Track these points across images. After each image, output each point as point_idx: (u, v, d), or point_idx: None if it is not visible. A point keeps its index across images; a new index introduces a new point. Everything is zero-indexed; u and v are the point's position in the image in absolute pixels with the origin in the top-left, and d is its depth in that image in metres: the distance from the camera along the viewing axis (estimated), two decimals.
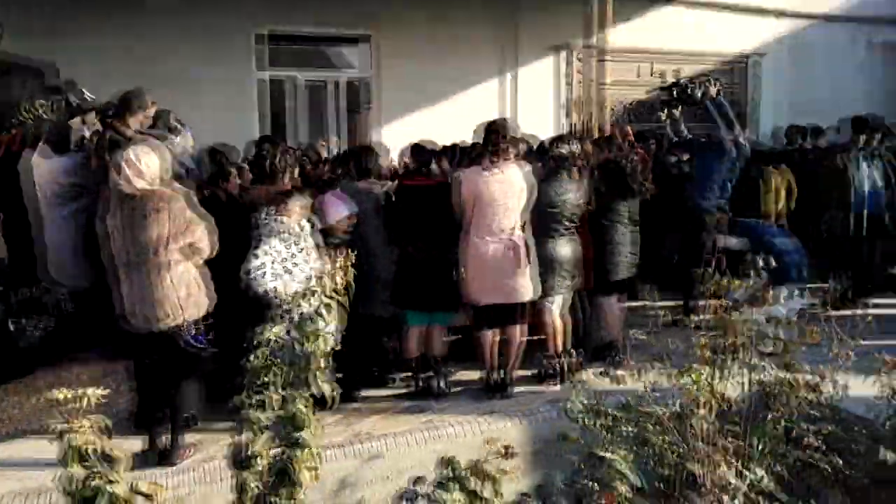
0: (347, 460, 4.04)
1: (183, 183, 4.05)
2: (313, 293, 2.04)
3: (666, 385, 2.42)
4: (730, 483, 1.89)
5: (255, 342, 2.07)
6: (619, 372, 2.53)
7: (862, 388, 3.00)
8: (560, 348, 4.98)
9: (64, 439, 1.66)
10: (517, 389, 4.83)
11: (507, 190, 4.60)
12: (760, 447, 2.11)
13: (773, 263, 5.10)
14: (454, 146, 5.56)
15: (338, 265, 2.06)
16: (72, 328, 4.90)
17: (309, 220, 4.34)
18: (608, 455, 2.17)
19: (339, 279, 2.04)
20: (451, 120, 7.58)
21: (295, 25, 7.96)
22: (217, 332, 3.95)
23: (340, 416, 4.52)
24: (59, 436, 1.67)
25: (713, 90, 5.87)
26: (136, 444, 4.04)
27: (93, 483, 1.60)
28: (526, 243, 4.62)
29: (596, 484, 2.16)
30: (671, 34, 9.19)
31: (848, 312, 3.12)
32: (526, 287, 4.66)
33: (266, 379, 2.04)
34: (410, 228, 4.73)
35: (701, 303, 2.44)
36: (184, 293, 3.74)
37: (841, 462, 2.15)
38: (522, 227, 4.65)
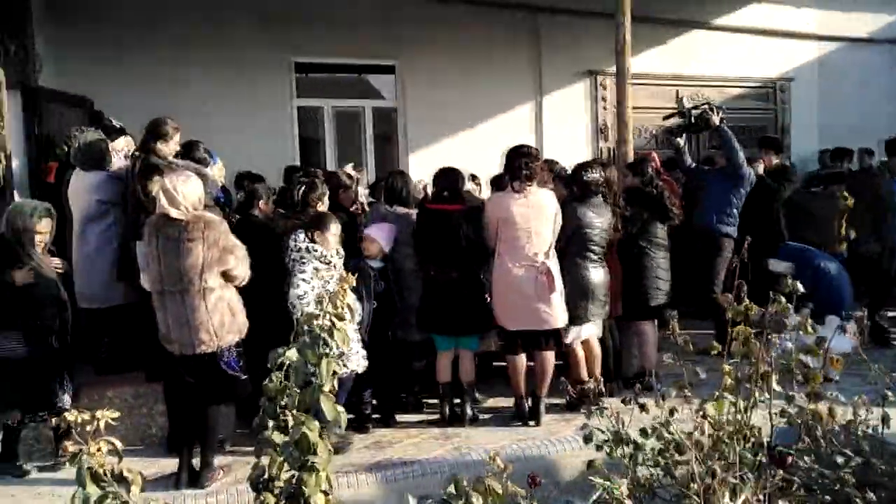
0: (375, 486, 4.06)
1: (213, 212, 4.14)
2: (318, 316, 2.08)
3: (687, 413, 2.41)
4: None
5: (271, 364, 2.12)
6: (643, 400, 2.52)
7: None
8: (595, 374, 4.96)
9: (77, 461, 1.71)
10: (548, 417, 4.81)
11: (536, 214, 4.63)
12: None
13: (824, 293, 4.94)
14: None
15: (339, 287, 2.10)
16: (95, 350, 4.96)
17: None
18: (600, 481, 2.18)
19: (339, 302, 2.07)
20: (478, 147, 7.70)
21: (321, 56, 8.12)
22: (250, 356, 4.02)
23: (371, 441, 4.56)
24: (73, 457, 1.72)
25: (716, 118, 5.80)
26: (170, 465, 4.13)
27: (107, 503, 1.65)
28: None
29: None
30: (698, 59, 9.19)
31: None
32: (556, 314, 4.67)
33: (283, 402, 2.09)
34: (430, 251, 4.79)
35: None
36: (217, 320, 3.81)
37: (874, 497, 2.11)
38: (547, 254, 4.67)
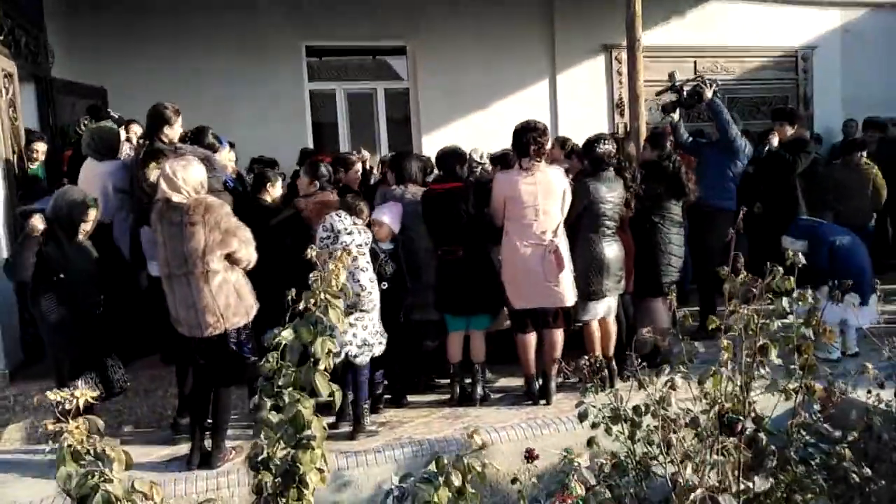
0: (387, 465, 4.08)
1: (220, 196, 4.17)
2: (315, 294, 2.08)
3: (684, 389, 2.37)
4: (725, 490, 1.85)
5: (267, 344, 2.13)
6: (643, 377, 2.49)
7: None
8: (609, 352, 4.91)
9: (58, 440, 1.74)
10: (558, 396, 4.79)
11: (544, 192, 4.58)
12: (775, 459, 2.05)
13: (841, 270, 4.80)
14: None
15: (335, 266, 2.09)
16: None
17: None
18: (574, 457, 2.17)
19: (334, 281, 2.07)
20: (493, 126, 7.61)
21: (333, 40, 8.10)
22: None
23: (382, 421, 4.59)
24: (54, 436, 1.75)
25: (709, 91, 5.66)
26: (183, 447, 4.20)
27: (89, 482, 1.67)
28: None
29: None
30: (717, 30, 8.98)
31: None
32: (565, 292, 4.64)
33: (280, 381, 2.10)
34: (436, 231, 4.79)
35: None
36: (223, 302, 3.85)
37: (870, 471, 2.06)
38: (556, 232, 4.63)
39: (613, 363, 4.88)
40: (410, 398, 4.98)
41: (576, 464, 2.14)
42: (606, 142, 4.94)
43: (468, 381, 4.89)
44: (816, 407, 2.26)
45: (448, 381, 4.99)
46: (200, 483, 3.86)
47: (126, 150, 4.89)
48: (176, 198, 3.77)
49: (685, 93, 5.74)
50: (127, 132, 5.15)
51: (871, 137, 7.81)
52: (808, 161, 6.14)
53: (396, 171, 5.12)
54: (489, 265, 4.83)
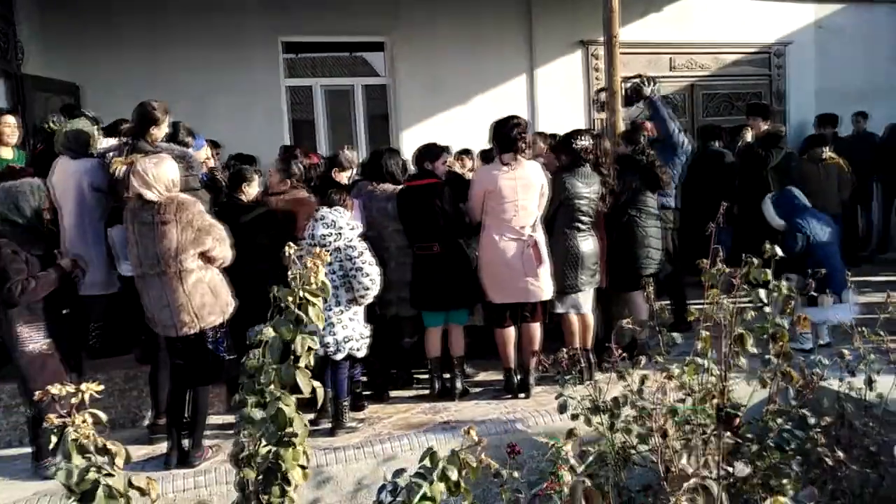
0: (366, 460, 4.07)
1: (196, 194, 4.12)
2: (294, 290, 2.06)
3: (657, 379, 2.39)
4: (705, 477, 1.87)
5: (250, 342, 2.11)
6: (621, 368, 2.50)
7: None
8: (587, 345, 4.93)
9: (62, 434, 1.71)
10: (537, 389, 4.80)
11: (524, 187, 4.60)
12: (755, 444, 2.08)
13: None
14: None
15: (312, 264, 2.08)
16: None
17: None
18: (559, 444, 2.17)
19: (312, 278, 2.06)
20: (472, 122, 7.61)
21: (310, 35, 8.04)
22: (239, 337, 3.99)
23: (361, 417, 4.58)
24: (57, 430, 1.72)
25: (647, 89, 5.74)
26: (160, 447, 4.16)
27: (91, 476, 1.65)
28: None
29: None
30: (693, 25, 9.03)
31: None
32: (543, 286, 4.65)
33: (262, 379, 2.08)
34: (411, 228, 4.79)
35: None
36: (198, 302, 3.80)
37: (843, 455, 2.10)
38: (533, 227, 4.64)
39: (592, 355, 4.91)
40: (391, 393, 4.96)
41: (562, 453, 2.14)
42: (584, 137, 4.97)
43: (447, 375, 4.89)
44: (792, 393, 2.29)
45: (427, 375, 4.98)
46: (179, 482, 3.82)
47: (101, 146, 4.79)
48: (148, 195, 3.71)
49: (625, 90, 5.82)
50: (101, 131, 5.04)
51: (826, 132, 7.94)
52: (781, 155, 6.22)
53: (373, 168, 5.11)
54: (465, 260, 4.83)
